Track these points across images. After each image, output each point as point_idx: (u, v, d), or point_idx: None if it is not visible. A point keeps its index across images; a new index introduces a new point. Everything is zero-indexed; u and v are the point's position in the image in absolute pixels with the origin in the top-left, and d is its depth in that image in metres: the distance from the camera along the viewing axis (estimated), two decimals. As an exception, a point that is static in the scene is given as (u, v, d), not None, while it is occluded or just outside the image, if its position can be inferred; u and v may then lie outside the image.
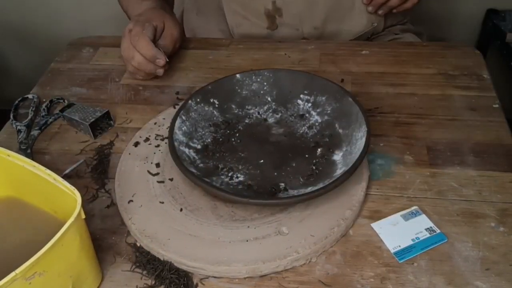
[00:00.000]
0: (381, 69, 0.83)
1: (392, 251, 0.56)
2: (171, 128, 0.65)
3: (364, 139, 0.61)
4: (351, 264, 0.55)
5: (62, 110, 0.75)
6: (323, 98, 0.70)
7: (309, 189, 0.59)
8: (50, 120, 0.76)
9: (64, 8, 1.60)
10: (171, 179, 0.64)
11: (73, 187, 0.49)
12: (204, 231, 0.58)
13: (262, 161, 0.65)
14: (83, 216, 0.48)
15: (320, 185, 0.58)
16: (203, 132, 0.69)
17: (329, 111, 0.69)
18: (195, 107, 0.69)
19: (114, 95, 0.82)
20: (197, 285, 0.54)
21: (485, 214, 0.60)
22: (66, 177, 0.67)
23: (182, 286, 0.54)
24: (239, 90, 0.73)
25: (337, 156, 0.64)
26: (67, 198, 0.49)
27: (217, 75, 0.82)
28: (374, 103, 0.75)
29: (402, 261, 0.55)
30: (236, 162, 0.65)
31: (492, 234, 0.58)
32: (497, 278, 0.53)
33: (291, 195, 0.60)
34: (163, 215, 0.60)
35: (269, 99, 0.73)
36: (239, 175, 0.64)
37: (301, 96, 0.72)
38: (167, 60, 0.78)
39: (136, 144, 0.70)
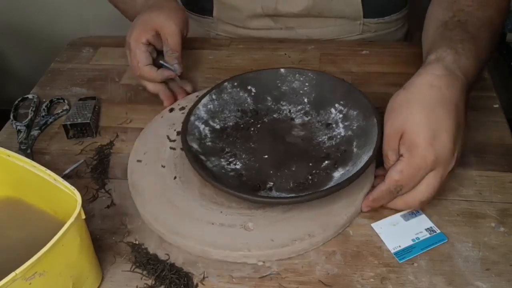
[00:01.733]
0: (381, 69, 0.83)
1: (393, 251, 0.56)
2: (195, 103, 0.68)
3: (363, 162, 0.59)
4: (351, 264, 0.55)
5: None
6: (355, 112, 0.67)
7: (290, 195, 0.59)
8: (50, 120, 0.76)
9: (64, 8, 1.60)
10: (182, 149, 0.65)
11: (73, 187, 0.49)
12: (182, 202, 0.61)
13: (266, 156, 0.65)
14: (83, 216, 0.48)
15: (300, 194, 0.58)
16: (229, 115, 0.71)
17: (354, 127, 0.67)
18: (229, 90, 0.71)
19: (114, 95, 0.82)
20: (197, 285, 0.54)
21: (485, 214, 0.60)
22: (66, 177, 0.67)
23: (182, 286, 0.53)
24: (279, 84, 0.73)
25: (337, 173, 0.62)
26: (67, 198, 0.49)
27: (218, 75, 0.83)
28: (375, 103, 0.74)
29: (402, 261, 0.55)
30: (243, 151, 0.66)
31: (492, 234, 0.58)
32: (497, 278, 0.53)
33: (267, 195, 0.60)
34: (158, 177, 0.64)
35: (305, 100, 0.72)
36: (238, 163, 0.65)
37: (336, 105, 0.70)
38: (180, 67, 0.74)
39: (171, 110, 0.74)
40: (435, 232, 0.58)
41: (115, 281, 0.55)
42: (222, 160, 0.65)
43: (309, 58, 0.86)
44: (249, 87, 0.72)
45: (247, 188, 0.61)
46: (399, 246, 0.57)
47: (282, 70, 0.73)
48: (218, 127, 0.69)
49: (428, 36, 0.70)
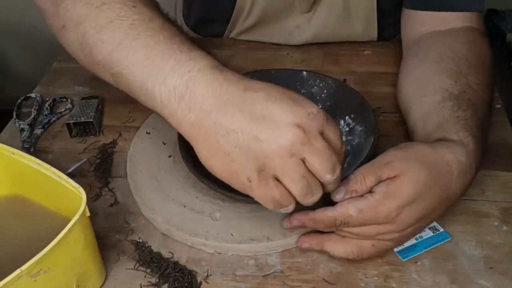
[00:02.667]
0: (383, 69, 0.83)
1: (395, 249, 0.56)
2: None
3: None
4: (354, 262, 0.55)
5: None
6: (360, 128, 0.66)
7: None
8: (53, 119, 0.77)
9: (65, 8, 1.60)
10: None
11: (77, 185, 0.49)
12: (166, 181, 0.64)
13: None
14: (88, 214, 0.48)
15: None
16: None
17: (354, 143, 0.66)
18: None
19: (117, 94, 0.81)
20: (201, 283, 0.54)
21: (488, 213, 0.60)
22: (70, 175, 0.66)
23: (186, 284, 0.54)
24: (298, 87, 0.72)
25: None
26: (71, 196, 0.49)
27: (220, 74, 0.82)
28: (377, 103, 0.75)
29: (405, 259, 0.55)
30: None
31: (496, 233, 0.58)
32: (500, 276, 0.53)
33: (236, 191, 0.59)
34: (155, 152, 0.68)
35: (319, 107, 0.71)
36: None
37: (346, 117, 0.68)
38: None
39: None
40: (439, 231, 0.58)
41: (119, 279, 0.55)
42: None
43: (311, 58, 0.86)
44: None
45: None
46: (402, 245, 0.57)
47: (304, 72, 0.72)
48: None
49: (427, 101, 0.63)
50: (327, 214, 0.51)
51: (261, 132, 0.45)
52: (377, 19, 0.85)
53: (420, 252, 0.56)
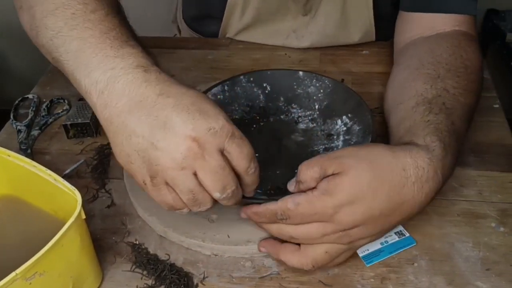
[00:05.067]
0: (381, 69, 0.83)
1: (360, 255, 0.56)
2: (205, 91, 0.69)
3: None
4: (351, 264, 0.55)
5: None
6: (358, 128, 0.66)
7: (261, 197, 0.58)
8: (50, 120, 0.76)
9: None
10: None
11: (73, 187, 0.49)
12: None
13: (256, 155, 0.65)
14: (84, 216, 0.48)
15: (270, 198, 0.57)
16: (237, 108, 0.71)
17: (352, 143, 0.65)
18: (244, 84, 0.72)
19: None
20: (197, 285, 0.54)
21: (485, 214, 0.60)
22: (67, 177, 0.67)
23: (182, 286, 0.53)
24: (295, 87, 0.72)
25: None
26: (67, 198, 0.49)
27: (217, 75, 0.82)
28: (375, 103, 0.75)
29: (369, 265, 0.55)
30: None
31: (493, 234, 0.58)
32: (497, 278, 0.53)
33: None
34: None
35: (316, 106, 0.72)
36: None
37: (344, 117, 0.68)
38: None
39: None
40: (404, 235, 0.57)
41: (115, 281, 0.55)
42: None
43: (309, 58, 0.86)
44: (264, 84, 0.72)
45: None
46: (367, 250, 0.56)
47: (300, 72, 0.72)
48: None
49: (402, 107, 0.62)
50: (268, 207, 0.51)
51: (159, 140, 0.45)
52: (374, 23, 0.85)
53: (384, 258, 0.55)
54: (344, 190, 0.49)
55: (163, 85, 0.48)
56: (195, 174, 0.46)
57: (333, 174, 0.49)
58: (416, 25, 0.74)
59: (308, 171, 0.50)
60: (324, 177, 0.50)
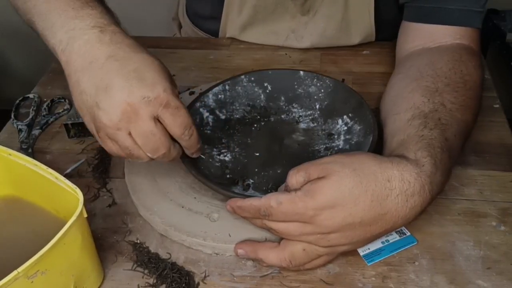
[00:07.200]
0: (382, 69, 0.83)
1: (361, 253, 0.56)
2: (206, 90, 0.70)
3: None
4: (352, 262, 0.55)
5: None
6: (359, 127, 0.66)
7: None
8: (51, 119, 0.77)
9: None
10: None
11: (75, 186, 0.49)
12: (164, 181, 0.63)
13: (257, 154, 0.66)
14: (85, 215, 0.48)
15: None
16: (238, 108, 0.71)
17: (353, 142, 0.65)
18: (245, 84, 0.72)
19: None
20: (198, 284, 0.54)
21: (486, 213, 0.60)
22: (68, 176, 0.66)
23: (183, 285, 0.54)
24: (296, 86, 0.73)
25: None
26: (69, 197, 0.49)
27: (218, 75, 0.83)
28: (375, 103, 0.75)
29: (370, 264, 0.55)
30: (237, 144, 0.67)
31: (494, 233, 0.58)
32: (498, 277, 0.53)
33: (238, 192, 0.59)
34: None
35: (317, 106, 0.71)
36: (228, 155, 0.66)
37: (344, 116, 0.68)
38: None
39: (191, 93, 0.77)
40: (405, 234, 0.57)
41: (117, 280, 0.55)
42: (214, 149, 0.66)
43: (310, 58, 0.86)
44: (265, 84, 0.73)
45: (225, 181, 0.62)
46: (368, 249, 0.56)
47: (301, 72, 0.72)
48: (223, 117, 0.70)
49: (398, 118, 0.61)
50: (252, 203, 0.52)
51: (101, 100, 0.51)
52: (375, 25, 0.85)
53: (386, 256, 0.55)
54: (325, 193, 0.49)
55: (115, 47, 0.52)
56: (130, 135, 0.52)
57: (317, 178, 0.50)
58: (418, 36, 0.73)
59: (294, 176, 0.51)
60: (309, 181, 0.50)
